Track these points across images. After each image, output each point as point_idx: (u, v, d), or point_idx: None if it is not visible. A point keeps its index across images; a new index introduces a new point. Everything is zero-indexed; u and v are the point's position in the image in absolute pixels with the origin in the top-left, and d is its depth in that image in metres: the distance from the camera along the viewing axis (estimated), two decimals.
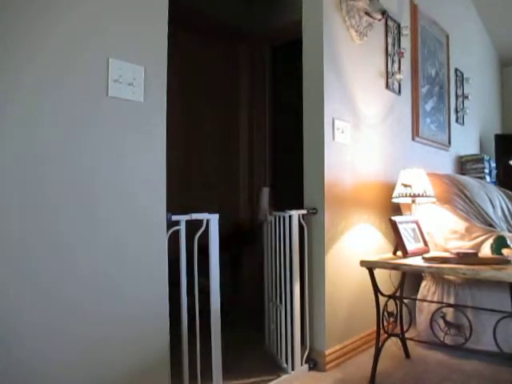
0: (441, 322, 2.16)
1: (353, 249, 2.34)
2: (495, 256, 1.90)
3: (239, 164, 3.46)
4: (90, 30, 1.31)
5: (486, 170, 3.85)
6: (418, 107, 3.07)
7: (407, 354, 2.25)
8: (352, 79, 2.39)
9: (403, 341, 2.25)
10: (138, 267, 1.41)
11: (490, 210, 2.69)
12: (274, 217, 2.17)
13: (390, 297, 2.11)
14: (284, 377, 1.99)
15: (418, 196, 2.23)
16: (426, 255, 1.99)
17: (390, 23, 2.76)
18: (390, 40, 2.75)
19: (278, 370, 2.06)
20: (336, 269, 2.22)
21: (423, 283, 2.49)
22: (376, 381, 1.97)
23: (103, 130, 1.33)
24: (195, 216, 1.60)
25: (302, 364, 2.08)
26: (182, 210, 1.57)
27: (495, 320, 1.77)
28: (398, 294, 2.19)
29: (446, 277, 2.28)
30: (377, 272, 2.01)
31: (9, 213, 1.13)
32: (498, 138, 4.77)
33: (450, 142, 3.63)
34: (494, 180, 4.03)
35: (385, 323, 2.07)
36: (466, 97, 4.00)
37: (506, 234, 2.28)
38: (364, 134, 2.48)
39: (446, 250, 2.26)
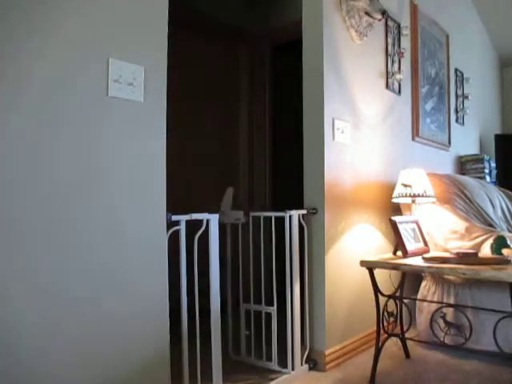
0: (441, 321, 2.16)
1: (353, 249, 2.34)
2: (495, 256, 1.90)
3: (239, 164, 3.46)
4: (90, 30, 1.31)
5: (486, 170, 3.85)
6: (417, 107, 3.07)
7: (407, 354, 2.25)
8: (352, 79, 2.39)
9: (403, 341, 2.25)
10: (138, 267, 1.41)
11: (490, 210, 2.69)
12: (251, 217, 2.16)
13: (389, 297, 2.11)
14: (284, 377, 1.99)
15: (418, 196, 2.23)
16: (425, 255, 2.00)
17: (390, 23, 2.76)
18: (390, 40, 2.75)
19: (271, 372, 2.02)
20: (336, 269, 2.22)
21: (423, 283, 2.49)
22: (376, 381, 1.97)
23: (103, 130, 1.33)
24: (195, 216, 1.60)
25: (302, 364, 2.08)
26: (182, 209, 1.57)
27: (495, 320, 1.77)
28: (397, 294, 2.19)
29: (445, 277, 2.28)
30: (377, 272, 2.01)
31: (9, 213, 1.13)
32: (497, 138, 4.77)
33: (450, 142, 3.63)
34: (493, 180, 4.03)
35: (385, 323, 2.07)
36: (466, 97, 4.00)
37: (506, 234, 2.28)
38: (364, 134, 2.48)
39: (446, 250, 2.26)
